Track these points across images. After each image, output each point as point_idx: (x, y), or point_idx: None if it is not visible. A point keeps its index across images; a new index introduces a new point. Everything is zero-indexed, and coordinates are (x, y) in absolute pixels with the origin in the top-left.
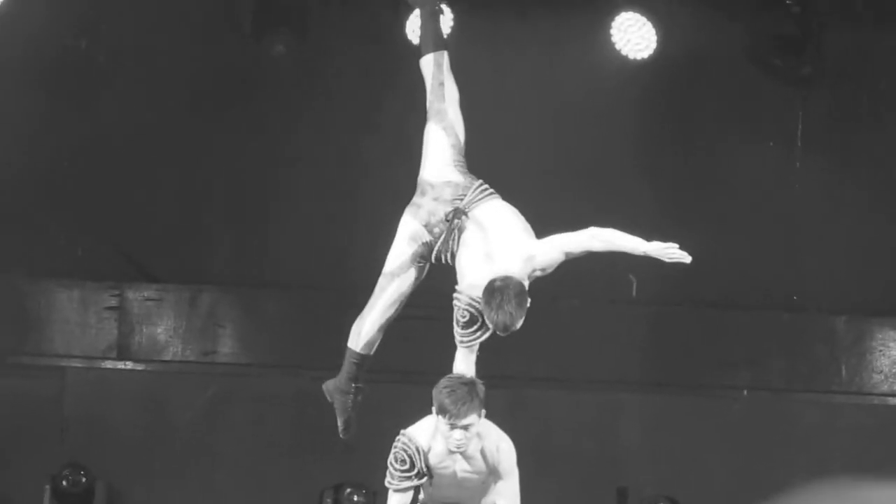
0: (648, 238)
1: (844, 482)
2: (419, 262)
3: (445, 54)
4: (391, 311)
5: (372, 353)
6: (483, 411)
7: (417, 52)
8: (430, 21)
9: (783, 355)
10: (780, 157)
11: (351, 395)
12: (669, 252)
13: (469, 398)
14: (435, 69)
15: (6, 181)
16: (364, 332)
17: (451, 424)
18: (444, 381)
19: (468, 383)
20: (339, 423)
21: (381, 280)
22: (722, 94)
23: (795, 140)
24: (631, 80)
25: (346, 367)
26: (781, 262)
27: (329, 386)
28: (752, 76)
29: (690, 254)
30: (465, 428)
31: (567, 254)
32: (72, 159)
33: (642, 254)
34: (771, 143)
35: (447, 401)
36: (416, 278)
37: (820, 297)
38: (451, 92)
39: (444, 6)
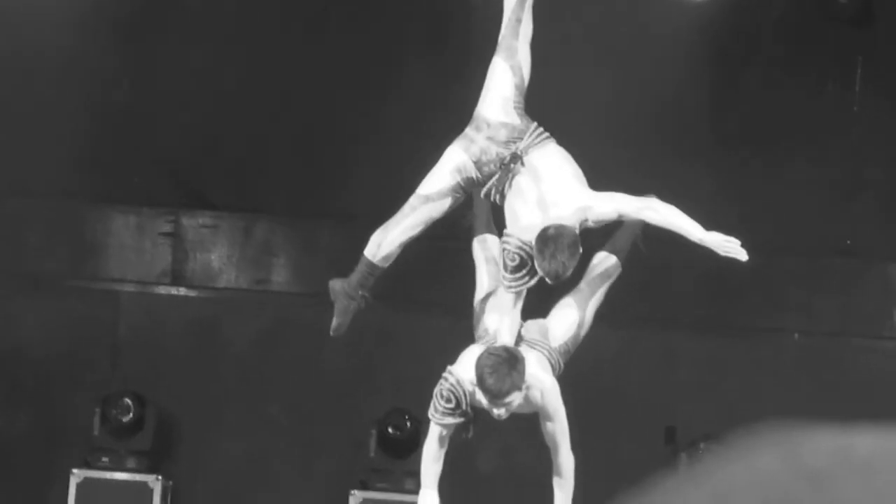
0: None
1: (783, 427)
2: (456, 194)
3: None
4: (414, 232)
5: (386, 266)
6: (525, 383)
7: None
8: None
9: (835, 300)
10: (837, 101)
11: (355, 302)
12: (728, 246)
13: (510, 378)
14: (516, 4)
15: (65, 107)
16: (384, 245)
17: (493, 403)
18: (485, 358)
19: (509, 360)
20: (334, 322)
21: (412, 199)
22: (781, 34)
23: (854, 84)
24: (689, 19)
25: (359, 273)
26: (836, 206)
27: (336, 286)
28: (813, 16)
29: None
30: (507, 405)
31: (621, 215)
32: (131, 84)
33: (698, 241)
34: (829, 86)
35: (490, 381)
36: (449, 207)
37: (874, 242)
38: (527, 30)
39: None
